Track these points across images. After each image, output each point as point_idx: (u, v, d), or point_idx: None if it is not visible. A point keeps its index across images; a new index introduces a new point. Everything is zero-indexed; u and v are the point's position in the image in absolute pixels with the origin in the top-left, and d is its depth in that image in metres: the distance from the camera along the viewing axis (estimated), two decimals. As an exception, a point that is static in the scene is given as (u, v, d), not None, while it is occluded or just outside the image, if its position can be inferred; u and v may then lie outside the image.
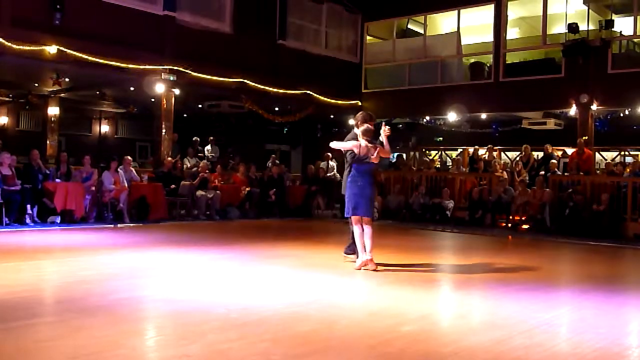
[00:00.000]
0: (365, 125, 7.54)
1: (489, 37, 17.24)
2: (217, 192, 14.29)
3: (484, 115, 17.95)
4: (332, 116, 19.55)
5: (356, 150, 7.42)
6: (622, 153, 18.14)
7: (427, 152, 21.60)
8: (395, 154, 20.28)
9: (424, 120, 19.38)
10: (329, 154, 17.37)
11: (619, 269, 9.53)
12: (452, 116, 17.76)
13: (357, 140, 7.52)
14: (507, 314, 5.38)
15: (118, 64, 13.29)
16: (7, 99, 18.28)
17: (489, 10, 17.03)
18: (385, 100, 18.80)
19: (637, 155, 17.36)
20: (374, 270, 7.24)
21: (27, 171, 11.78)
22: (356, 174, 7.44)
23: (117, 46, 13.32)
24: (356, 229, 7.45)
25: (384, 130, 7.48)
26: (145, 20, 14.09)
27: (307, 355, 4.02)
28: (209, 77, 14.96)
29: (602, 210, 12.68)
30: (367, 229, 7.40)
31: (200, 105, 18.19)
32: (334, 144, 7.82)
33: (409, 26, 19.98)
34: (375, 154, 7.36)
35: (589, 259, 10.11)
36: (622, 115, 15.95)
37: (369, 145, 7.40)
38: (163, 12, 14.36)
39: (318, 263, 7.83)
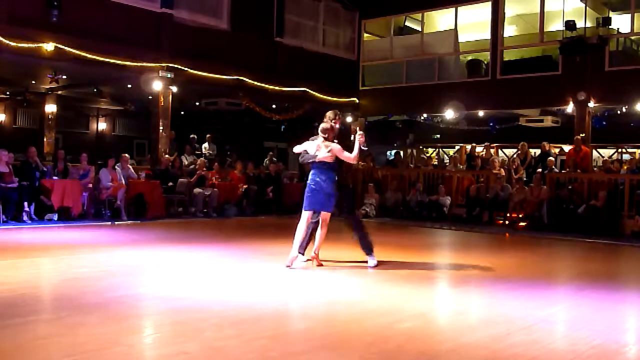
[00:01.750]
0: (322, 124, 7.50)
1: (486, 35, 17.25)
2: (215, 189, 14.29)
3: (481, 113, 17.96)
4: (329, 114, 19.52)
5: (309, 150, 7.41)
6: (619, 150, 18.17)
7: (425, 149, 21.61)
8: (393, 151, 20.32)
9: (422, 117, 19.39)
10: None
11: (616, 267, 9.55)
12: (449, 113, 17.77)
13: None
14: (504, 311, 5.39)
15: (115, 61, 13.27)
16: (4, 96, 18.24)
17: (486, 7, 17.04)
18: (382, 98, 18.82)
19: (634, 152, 17.39)
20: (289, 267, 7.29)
21: (24, 168, 11.75)
22: (316, 172, 7.42)
23: (115, 43, 13.30)
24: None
25: (359, 136, 7.35)
26: (142, 17, 14.07)
27: (305, 352, 4.02)
28: (206, 74, 14.94)
29: (599, 208, 12.70)
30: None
31: (197, 103, 18.17)
32: (296, 149, 7.78)
33: (406, 23, 19.98)
34: (325, 152, 7.28)
35: (586, 257, 10.12)
36: (619, 112, 15.97)
37: (321, 144, 7.33)
38: (160, 10, 14.34)
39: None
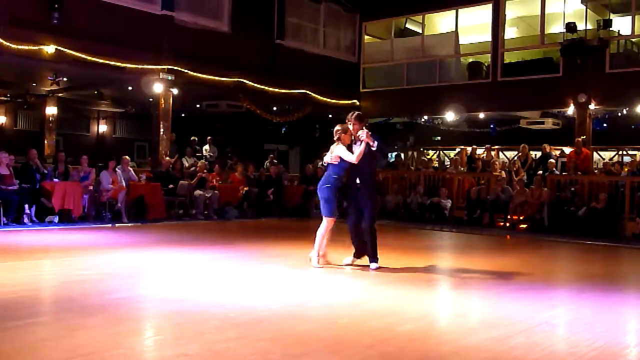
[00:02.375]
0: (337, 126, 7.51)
1: (487, 37, 17.25)
2: (215, 191, 14.28)
3: (482, 115, 17.97)
4: (330, 116, 19.54)
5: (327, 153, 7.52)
6: (620, 152, 18.15)
7: (425, 151, 21.59)
8: (394, 154, 20.31)
9: (422, 119, 19.39)
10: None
11: (616, 269, 9.54)
12: (450, 116, 17.78)
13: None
14: (505, 313, 5.38)
15: (116, 63, 13.29)
16: (5, 98, 18.26)
17: (487, 9, 17.05)
18: (383, 100, 18.82)
19: (635, 154, 17.35)
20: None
21: (25, 171, 11.76)
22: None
23: (115, 46, 13.31)
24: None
25: (362, 134, 7.28)
26: (143, 19, 14.08)
27: (305, 354, 4.02)
28: (207, 76, 14.95)
29: (599, 210, 12.69)
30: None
31: (198, 105, 18.19)
32: None
33: (407, 26, 19.99)
34: (329, 155, 7.36)
35: (587, 259, 10.12)
36: (619, 114, 15.97)
37: (333, 147, 7.40)
38: (161, 12, 14.36)
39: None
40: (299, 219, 15.05)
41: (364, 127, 7.43)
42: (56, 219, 11.70)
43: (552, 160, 15.17)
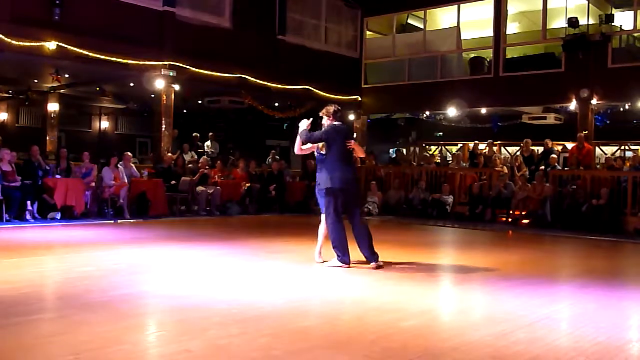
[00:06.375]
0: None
1: (489, 32, 17.21)
2: (217, 187, 14.30)
3: (483, 110, 17.97)
4: (332, 112, 19.52)
5: None
6: (622, 147, 18.15)
7: (427, 147, 21.61)
8: (395, 149, 20.37)
9: (424, 115, 19.38)
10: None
11: (619, 264, 9.54)
12: (452, 111, 17.76)
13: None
14: (507, 308, 5.38)
15: (118, 59, 13.29)
16: (6, 95, 18.27)
17: (488, 4, 17.00)
18: (385, 95, 18.80)
19: (637, 149, 17.38)
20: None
21: (27, 167, 11.78)
22: None
23: (117, 42, 13.31)
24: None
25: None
26: (144, 15, 14.07)
27: (308, 350, 4.02)
28: (208, 72, 14.95)
29: (602, 205, 12.69)
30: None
31: (200, 101, 18.19)
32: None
33: (409, 21, 19.96)
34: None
35: (589, 254, 10.11)
36: (622, 109, 15.96)
37: None
38: (162, 8, 14.34)
39: (318, 258, 7.82)
40: (301, 215, 15.05)
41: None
42: (58, 216, 11.71)
43: (554, 156, 15.16)
